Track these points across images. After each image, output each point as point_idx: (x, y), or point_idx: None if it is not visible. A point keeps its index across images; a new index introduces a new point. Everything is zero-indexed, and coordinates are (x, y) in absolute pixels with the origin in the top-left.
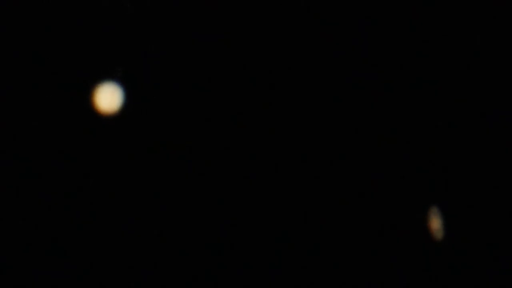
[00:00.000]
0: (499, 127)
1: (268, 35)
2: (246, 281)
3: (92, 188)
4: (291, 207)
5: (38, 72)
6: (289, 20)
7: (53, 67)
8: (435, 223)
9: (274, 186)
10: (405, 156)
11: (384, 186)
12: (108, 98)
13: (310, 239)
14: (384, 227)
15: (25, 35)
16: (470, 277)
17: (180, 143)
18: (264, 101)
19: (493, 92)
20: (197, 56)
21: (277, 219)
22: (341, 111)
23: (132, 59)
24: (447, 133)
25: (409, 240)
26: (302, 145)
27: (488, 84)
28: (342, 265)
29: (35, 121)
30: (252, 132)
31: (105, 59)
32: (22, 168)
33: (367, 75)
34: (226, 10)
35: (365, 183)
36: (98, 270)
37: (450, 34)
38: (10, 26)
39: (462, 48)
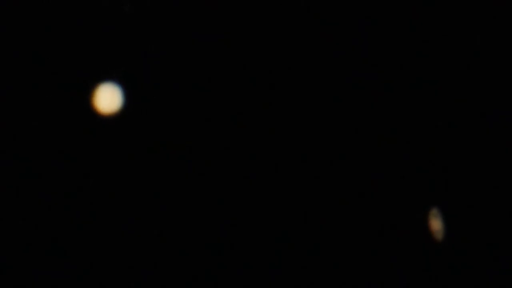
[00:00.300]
0: (499, 127)
1: (268, 35)
2: (246, 281)
3: (91, 188)
4: (291, 207)
5: (38, 72)
6: (289, 20)
7: (53, 67)
8: (436, 224)
9: (274, 186)
10: (405, 156)
11: (384, 187)
12: (108, 98)
13: (310, 239)
14: (384, 227)
15: (25, 35)
16: (470, 277)
17: (180, 143)
18: (264, 101)
19: (493, 92)
20: (197, 56)
21: (277, 219)
22: (341, 111)
23: (132, 59)
24: (447, 133)
25: (409, 241)
26: (302, 145)
27: (488, 84)
28: (342, 265)
29: (35, 121)
30: (252, 132)
31: (105, 59)
32: (22, 168)
33: (367, 75)
34: (226, 10)
35: (365, 183)
36: (98, 270)
37: (450, 34)
38: (10, 26)
39: (462, 48)
